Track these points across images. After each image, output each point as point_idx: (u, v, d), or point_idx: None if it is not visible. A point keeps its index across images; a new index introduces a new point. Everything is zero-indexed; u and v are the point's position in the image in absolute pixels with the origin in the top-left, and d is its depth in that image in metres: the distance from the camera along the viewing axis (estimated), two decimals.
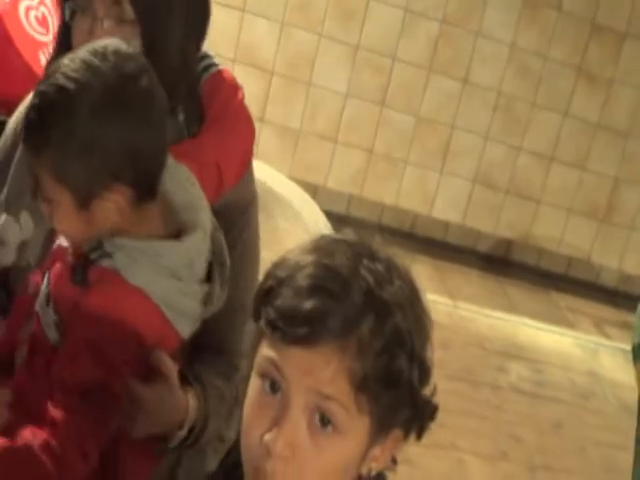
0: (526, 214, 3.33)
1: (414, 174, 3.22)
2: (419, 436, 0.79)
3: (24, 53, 2.37)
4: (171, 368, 0.99)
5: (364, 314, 0.78)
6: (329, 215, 3.10)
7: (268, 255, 1.65)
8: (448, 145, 3.21)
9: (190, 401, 1.05)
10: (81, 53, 0.90)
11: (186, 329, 1.01)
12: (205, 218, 1.01)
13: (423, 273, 3.25)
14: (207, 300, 1.01)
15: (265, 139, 3.10)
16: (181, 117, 1.17)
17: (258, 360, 0.80)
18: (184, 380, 1.05)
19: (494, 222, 3.30)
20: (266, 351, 0.79)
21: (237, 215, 1.15)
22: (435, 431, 1.69)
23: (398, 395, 0.78)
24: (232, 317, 1.20)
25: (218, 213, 1.06)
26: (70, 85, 0.87)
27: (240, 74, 2.69)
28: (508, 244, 3.39)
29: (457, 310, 3.07)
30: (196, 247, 1.00)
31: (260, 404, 0.78)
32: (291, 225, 1.56)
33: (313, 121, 3.11)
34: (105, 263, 0.93)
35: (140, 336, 0.93)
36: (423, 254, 3.33)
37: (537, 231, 3.36)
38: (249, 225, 1.19)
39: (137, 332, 0.93)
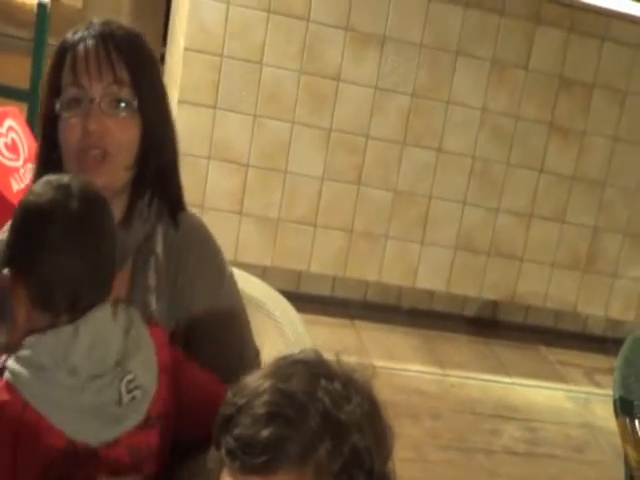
0: (510, 273, 4.58)
1: (395, 248, 4.30)
2: None
3: None
4: None
5: (321, 438, 1.08)
6: (314, 299, 4.38)
7: None
8: (427, 215, 4.39)
9: None
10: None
11: (70, 423, 1.36)
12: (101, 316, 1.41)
13: (410, 345, 4.40)
14: (82, 392, 1.36)
15: (244, 231, 4.13)
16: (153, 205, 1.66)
17: None
18: None
19: (479, 285, 4.54)
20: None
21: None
22: None
23: None
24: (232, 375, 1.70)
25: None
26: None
27: (216, 170, 3.88)
28: (494, 305, 4.65)
29: (447, 378, 4.06)
30: (60, 337, 1.37)
31: None
32: (264, 326, 2.14)
33: (291, 208, 4.14)
34: None
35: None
36: (410, 326, 4.48)
37: (522, 289, 4.62)
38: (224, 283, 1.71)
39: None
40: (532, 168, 4.42)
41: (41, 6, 4.31)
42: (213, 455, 1.13)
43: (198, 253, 1.70)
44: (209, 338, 1.69)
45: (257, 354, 1.82)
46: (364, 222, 4.29)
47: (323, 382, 1.12)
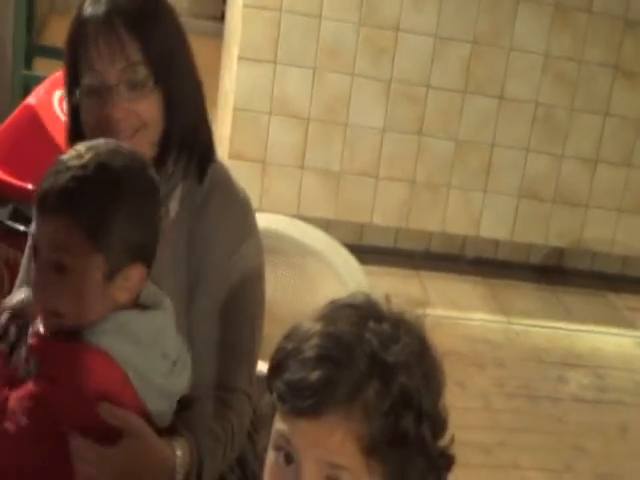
0: (575, 220, 4.61)
1: (458, 197, 4.36)
2: None
3: (60, 142, 3.26)
4: (134, 423, 1.39)
5: (369, 379, 1.11)
6: (378, 250, 4.47)
7: (299, 305, 2.36)
8: (490, 164, 4.43)
9: (178, 451, 1.48)
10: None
11: (150, 399, 1.44)
12: (168, 304, 1.49)
13: (475, 294, 4.46)
14: (169, 375, 1.46)
15: (307, 185, 4.24)
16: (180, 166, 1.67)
17: (272, 433, 1.15)
18: (172, 431, 1.48)
19: (544, 233, 4.58)
20: (278, 424, 1.14)
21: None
22: (496, 451, 3.17)
23: (408, 453, 1.11)
24: (226, 354, 1.66)
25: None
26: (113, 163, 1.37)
27: (277, 125, 3.98)
28: (560, 253, 4.68)
29: (512, 326, 4.13)
30: (160, 322, 1.46)
31: (277, 476, 1.13)
32: (323, 275, 2.35)
33: (353, 161, 4.23)
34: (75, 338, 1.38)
35: (101, 397, 1.36)
36: (474, 275, 4.51)
37: (588, 235, 4.64)
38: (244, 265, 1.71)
39: (97, 394, 1.36)
40: (597, 112, 4.43)
41: None
42: (267, 399, 1.18)
43: (216, 210, 1.71)
44: (209, 301, 1.70)
45: (253, 340, 1.79)
46: (426, 172, 4.35)
47: (371, 324, 1.16)
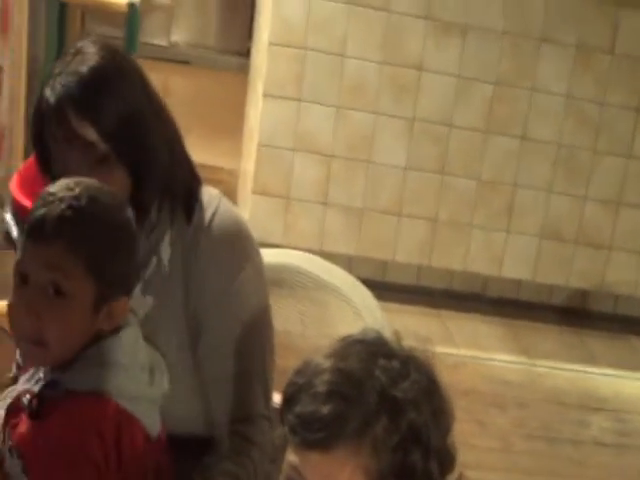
0: (598, 262, 4.61)
1: (480, 237, 4.38)
2: None
3: None
4: None
5: (378, 414, 1.15)
6: (400, 288, 4.50)
7: (319, 339, 2.30)
8: (512, 204, 4.45)
9: None
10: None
11: (149, 415, 1.50)
12: (133, 318, 1.54)
13: (497, 334, 4.46)
14: (152, 384, 1.50)
15: (330, 221, 4.27)
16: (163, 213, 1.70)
17: (285, 465, 1.20)
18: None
19: (566, 274, 4.58)
20: (290, 456, 1.19)
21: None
22: None
23: None
24: (239, 384, 1.70)
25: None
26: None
27: (301, 161, 4.03)
28: (583, 294, 4.67)
29: (533, 368, 4.12)
30: (132, 337, 1.51)
31: None
32: (342, 311, 2.34)
33: (375, 198, 4.27)
34: (58, 393, 1.43)
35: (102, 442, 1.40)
36: (496, 315, 4.51)
37: (611, 277, 4.65)
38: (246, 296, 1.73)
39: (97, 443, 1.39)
40: (619, 155, 4.46)
41: (132, 5, 4.53)
42: (279, 432, 1.23)
43: (207, 245, 1.73)
44: (216, 337, 1.74)
45: (264, 369, 1.81)
46: (448, 211, 4.39)
47: (381, 361, 1.20)
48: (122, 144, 1.62)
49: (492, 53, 4.22)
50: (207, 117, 5.17)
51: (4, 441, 1.50)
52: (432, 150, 4.31)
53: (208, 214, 1.74)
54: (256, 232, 4.23)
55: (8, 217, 1.76)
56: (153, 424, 1.52)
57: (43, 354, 1.44)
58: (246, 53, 5.32)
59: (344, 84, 4.17)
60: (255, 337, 1.77)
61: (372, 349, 1.23)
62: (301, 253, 2.61)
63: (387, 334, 1.28)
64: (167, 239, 1.73)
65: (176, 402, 1.62)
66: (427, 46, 4.17)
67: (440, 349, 3.81)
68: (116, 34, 5.57)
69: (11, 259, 1.89)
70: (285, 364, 2.02)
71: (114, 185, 1.59)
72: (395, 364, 1.21)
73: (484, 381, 4.00)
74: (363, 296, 2.42)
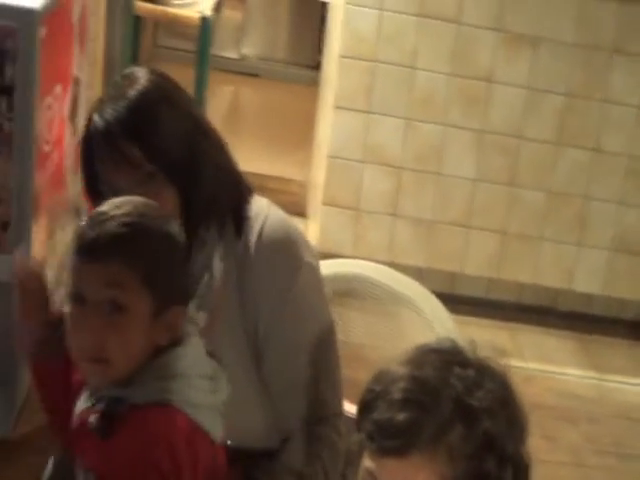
0: None
1: (551, 250, 4.37)
2: None
3: None
4: None
5: (453, 423, 1.19)
6: (469, 300, 4.50)
7: (389, 351, 2.38)
8: (583, 216, 4.45)
9: None
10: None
11: (213, 422, 1.54)
12: (190, 326, 1.59)
13: (567, 348, 4.46)
14: (214, 392, 1.55)
15: (399, 233, 4.30)
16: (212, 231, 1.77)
17: (361, 471, 1.24)
18: None
19: (638, 288, 4.54)
20: (367, 462, 1.23)
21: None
22: None
23: None
24: (310, 388, 1.76)
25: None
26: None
27: (370, 173, 4.08)
28: None
29: (604, 383, 4.12)
30: (193, 348, 1.56)
31: None
32: (413, 322, 2.42)
33: (445, 210, 4.29)
34: (124, 408, 1.47)
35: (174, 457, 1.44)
36: (566, 329, 4.53)
37: None
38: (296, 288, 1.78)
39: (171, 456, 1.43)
40: None
41: (204, 19, 4.62)
42: (355, 438, 1.27)
43: (258, 257, 1.78)
44: (280, 347, 1.80)
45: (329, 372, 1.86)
46: (518, 224, 4.39)
47: (456, 369, 1.23)
48: (168, 165, 1.69)
49: (563, 65, 4.22)
50: (277, 129, 5.25)
51: (76, 462, 1.56)
52: (502, 162, 4.31)
53: (257, 225, 1.80)
54: (326, 244, 4.33)
55: None
56: (216, 431, 1.56)
57: (105, 371, 1.49)
58: (316, 66, 5.40)
59: (414, 96, 4.21)
60: (319, 340, 1.81)
61: (447, 358, 1.26)
62: (372, 264, 2.66)
63: (461, 344, 1.30)
64: (218, 254, 1.79)
65: (239, 414, 1.66)
66: (497, 58, 4.18)
67: (510, 362, 3.80)
68: (187, 47, 5.70)
69: None
70: (355, 376, 2.07)
71: (163, 203, 1.66)
72: (470, 373, 1.24)
73: (554, 395, 4.00)
74: (434, 307, 2.48)
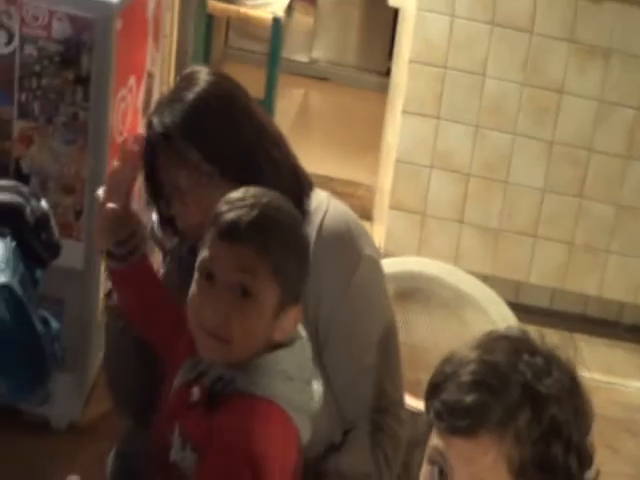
0: None
1: (618, 263, 4.39)
2: None
3: None
4: None
5: (521, 407, 1.24)
6: (533, 309, 4.53)
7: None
8: None
9: None
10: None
11: (305, 427, 1.58)
12: (302, 331, 1.63)
13: (632, 361, 4.48)
14: (312, 399, 1.60)
15: (465, 240, 4.36)
16: None
17: (428, 449, 1.29)
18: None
19: None
20: (434, 440, 1.28)
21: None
22: None
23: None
24: (371, 378, 1.80)
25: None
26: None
27: (438, 179, 4.13)
28: None
29: None
30: (301, 352, 1.61)
31: None
32: (478, 323, 2.48)
33: (512, 219, 4.34)
34: (228, 390, 1.52)
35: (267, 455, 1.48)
36: (632, 342, 4.54)
37: None
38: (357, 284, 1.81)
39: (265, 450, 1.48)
40: None
41: (276, 21, 4.73)
42: (423, 418, 1.32)
43: (318, 251, 1.78)
44: (342, 341, 1.83)
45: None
46: (585, 235, 4.43)
47: (525, 356, 1.28)
48: (226, 165, 1.74)
49: (635, 78, 4.24)
50: (346, 133, 5.33)
51: (172, 433, 1.59)
52: (570, 173, 4.35)
53: (317, 219, 1.84)
54: (391, 247, 4.39)
55: (154, 216, 1.92)
56: (306, 435, 1.62)
57: (225, 350, 1.53)
58: (385, 73, 5.47)
59: (483, 104, 4.26)
60: (380, 329, 1.85)
61: (517, 345, 1.31)
62: (438, 262, 2.71)
63: (530, 334, 1.35)
64: None
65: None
66: (569, 69, 4.22)
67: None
68: (258, 49, 5.81)
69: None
70: (416, 376, 2.12)
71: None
72: (539, 361, 1.28)
73: (617, 407, 4.04)
74: (500, 308, 2.54)
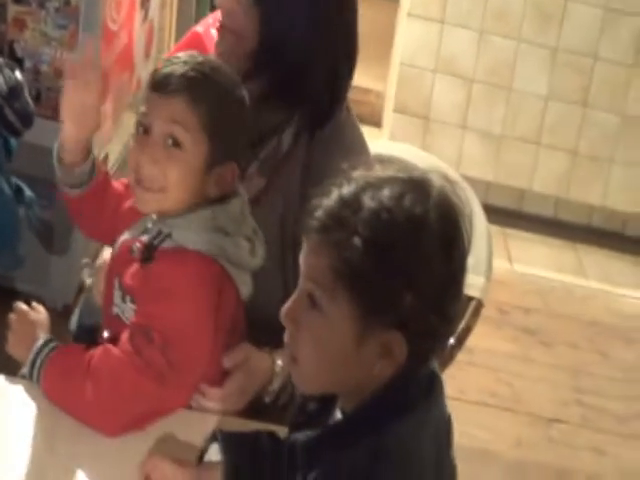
0: None
1: (622, 173, 4.52)
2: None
3: None
4: (242, 356, 1.67)
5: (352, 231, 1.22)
6: (537, 218, 4.67)
7: None
8: None
9: (278, 360, 1.71)
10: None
11: (243, 282, 1.68)
12: (241, 189, 1.71)
13: (632, 272, 4.47)
14: (252, 254, 1.69)
15: (468, 145, 4.53)
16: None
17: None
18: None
19: None
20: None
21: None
22: (632, 422, 3.36)
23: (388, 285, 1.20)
24: None
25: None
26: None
27: (441, 83, 4.30)
28: None
29: None
30: (239, 208, 1.68)
31: None
32: None
33: (514, 125, 4.49)
34: (167, 244, 1.63)
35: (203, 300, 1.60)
36: (633, 254, 4.59)
37: None
38: None
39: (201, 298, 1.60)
40: None
41: None
42: None
43: (331, 147, 1.86)
44: None
45: None
46: (589, 144, 4.56)
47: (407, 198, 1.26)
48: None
49: None
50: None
51: (113, 288, 1.72)
52: (575, 81, 4.48)
53: (339, 127, 1.91)
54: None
55: None
56: (245, 289, 1.73)
57: (159, 200, 1.66)
58: None
59: (488, 9, 4.41)
60: None
61: (404, 188, 1.27)
62: (404, 145, 2.87)
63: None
64: (291, 129, 1.89)
65: (262, 293, 1.75)
66: None
67: (571, 280, 3.97)
68: None
69: None
70: None
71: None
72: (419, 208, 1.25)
73: (612, 315, 4.16)
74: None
